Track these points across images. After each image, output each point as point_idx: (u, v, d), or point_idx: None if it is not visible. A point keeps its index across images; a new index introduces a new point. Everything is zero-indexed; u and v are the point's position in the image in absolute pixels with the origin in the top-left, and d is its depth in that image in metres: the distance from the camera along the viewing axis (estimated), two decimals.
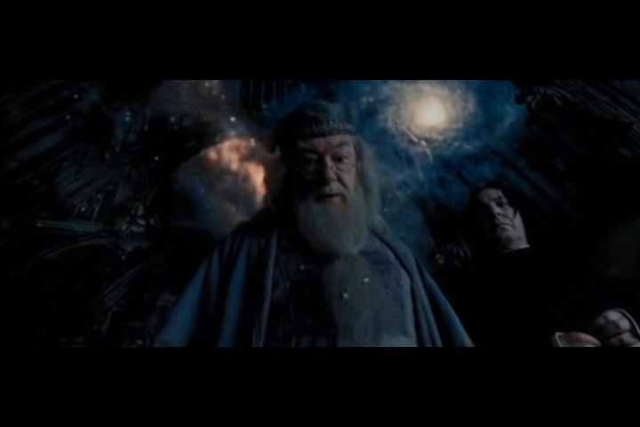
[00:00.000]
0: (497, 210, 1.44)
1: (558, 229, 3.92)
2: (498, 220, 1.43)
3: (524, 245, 1.44)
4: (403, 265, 0.96)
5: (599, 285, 1.32)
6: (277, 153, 1.05)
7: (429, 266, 4.05)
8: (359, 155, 1.01)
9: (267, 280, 0.82)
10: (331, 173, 0.92)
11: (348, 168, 0.96)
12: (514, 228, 1.43)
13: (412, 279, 0.96)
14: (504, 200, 1.47)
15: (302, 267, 0.86)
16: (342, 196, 0.94)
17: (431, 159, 4.77)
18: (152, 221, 3.84)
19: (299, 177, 0.95)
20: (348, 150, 0.97)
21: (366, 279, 0.83)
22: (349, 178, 0.96)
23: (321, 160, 0.94)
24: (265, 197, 1.05)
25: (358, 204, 0.95)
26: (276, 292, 0.82)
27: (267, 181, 1.05)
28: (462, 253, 4.16)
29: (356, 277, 0.82)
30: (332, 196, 0.93)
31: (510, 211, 1.45)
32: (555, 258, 1.37)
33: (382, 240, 1.00)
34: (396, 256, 0.97)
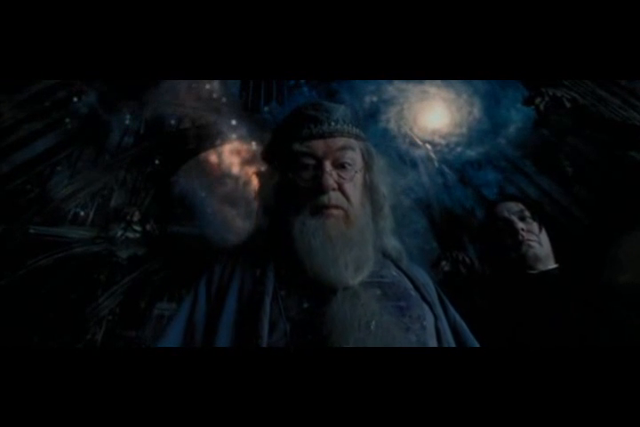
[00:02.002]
0: (520, 225, 1.29)
1: (567, 234, 3.82)
2: (522, 236, 1.27)
3: (552, 265, 1.30)
4: (424, 298, 0.80)
5: (622, 296, 1.23)
6: (275, 161, 0.90)
7: (434, 273, 3.94)
8: (368, 164, 0.85)
9: (262, 322, 0.67)
10: (329, 181, 0.77)
11: (351, 177, 0.80)
12: (540, 245, 1.28)
13: (435, 316, 0.80)
14: (527, 214, 1.32)
15: (305, 304, 0.70)
16: (343, 210, 0.78)
17: (436, 163, 4.68)
18: (148, 227, 3.74)
19: (293, 186, 0.80)
20: (353, 156, 0.81)
21: (372, 322, 0.66)
22: (353, 189, 0.81)
23: (319, 165, 0.79)
24: (257, 214, 0.90)
25: (363, 222, 0.80)
26: (274, 336, 0.67)
27: (259, 193, 0.91)
28: (468, 260, 4.06)
29: (360, 321, 0.66)
30: (330, 207, 0.77)
31: (535, 226, 1.30)
32: (585, 278, 1.24)
33: (398, 268, 0.84)
34: (416, 288, 0.81)
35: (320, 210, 0.77)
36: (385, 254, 0.85)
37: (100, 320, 3.49)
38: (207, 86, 4.96)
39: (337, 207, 0.78)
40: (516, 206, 1.34)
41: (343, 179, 0.79)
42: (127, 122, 3.99)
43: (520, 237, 1.27)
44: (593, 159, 3.87)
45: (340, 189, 0.79)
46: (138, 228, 3.69)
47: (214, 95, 4.93)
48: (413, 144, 4.90)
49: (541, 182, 4.27)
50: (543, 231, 1.31)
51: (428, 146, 4.89)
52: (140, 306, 3.61)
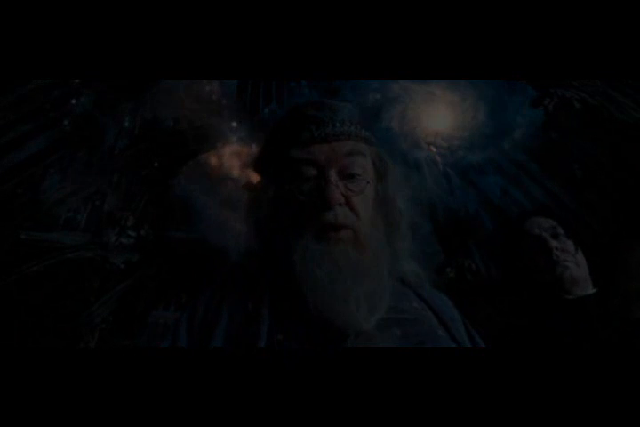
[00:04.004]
0: (554, 243, 1.17)
1: (577, 240, 3.72)
2: (557, 255, 1.16)
3: (590, 289, 1.18)
4: (454, 338, 0.68)
5: None
6: (269, 172, 0.77)
7: (440, 280, 3.84)
8: (380, 174, 0.73)
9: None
10: (335, 193, 0.64)
11: (361, 188, 0.68)
12: (577, 266, 1.17)
13: None
14: (560, 231, 1.20)
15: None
16: (352, 229, 0.66)
17: (440, 166, 4.60)
18: (143, 233, 3.65)
19: (292, 201, 0.68)
20: (362, 163, 0.69)
21: None
22: (363, 202, 0.68)
23: (322, 175, 0.66)
24: (249, 235, 0.77)
25: (376, 244, 0.67)
26: None
27: (251, 211, 0.78)
28: (474, 266, 3.96)
29: None
30: (337, 228, 0.65)
31: (570, 244, 1.19)
32: (626, 303, 1.12)
33: (419, 297, 0.74)
34: (443, 324, 0.69)
35: (326, 231, 0.65)
36: (403, 281, 0.73)
37: (94, 328, 3.41)
38: (207, 88, 4.90)
39: (345, 227, 0.65)
40: (546, 222, 1.22)
41: (351, 191, 0.67)
42: (124, 123, 3.92)
43: (554, 257, 1.15)
44: (603, 162, 3.79)
45: (348, 203, 0.66)
46: (132, 233, 3.61)
47: (214, 97, 4.86)
48: (417, 145, 4.83)
49: (549, 186, 4.18)
50: (579, 251, 1.18)
51: (433, 148, 4.82)
52: (135, 314, 3.52)
